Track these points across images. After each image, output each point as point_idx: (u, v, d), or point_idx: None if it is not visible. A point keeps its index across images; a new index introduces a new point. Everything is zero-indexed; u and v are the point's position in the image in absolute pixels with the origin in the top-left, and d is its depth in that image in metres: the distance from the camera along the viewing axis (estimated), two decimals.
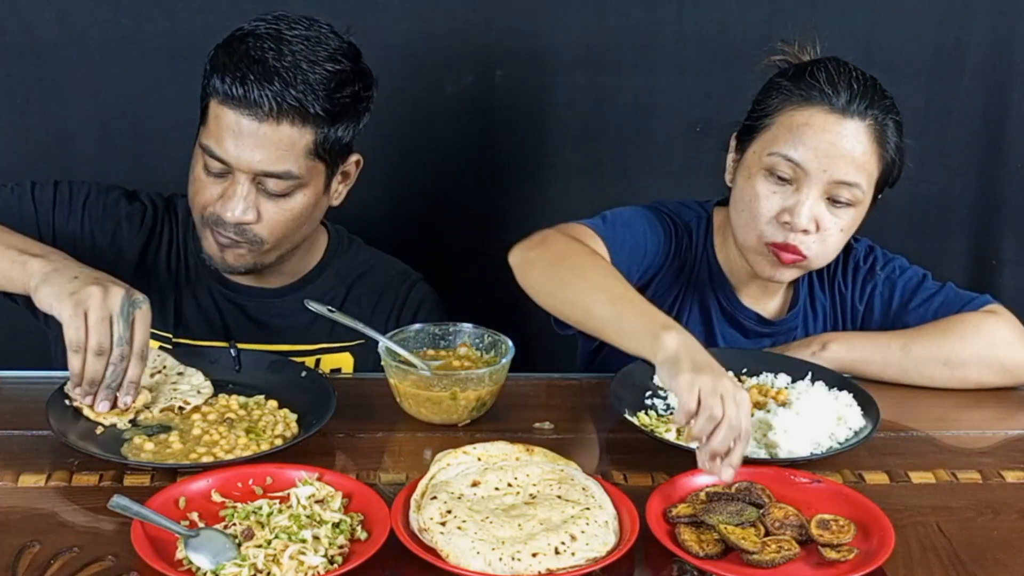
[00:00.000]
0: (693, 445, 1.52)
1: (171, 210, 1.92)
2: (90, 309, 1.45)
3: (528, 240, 1.69)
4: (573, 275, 1.61)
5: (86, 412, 1.53)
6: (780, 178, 1.73)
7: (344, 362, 1.91)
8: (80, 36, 2.28)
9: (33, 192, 1.82)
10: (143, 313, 1.50)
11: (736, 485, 1.39)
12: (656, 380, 1.70)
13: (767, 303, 1.92)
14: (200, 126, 1.76)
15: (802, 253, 1.74)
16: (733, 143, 1.85)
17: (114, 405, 1.52)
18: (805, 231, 1.72)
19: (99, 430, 1.51)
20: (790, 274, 1.81)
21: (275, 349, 1.84)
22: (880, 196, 1.80)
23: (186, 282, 1.89)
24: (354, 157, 1.83)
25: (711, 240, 1.91)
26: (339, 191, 1.85)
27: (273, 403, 1.60)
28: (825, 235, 1.74)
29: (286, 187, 1.73)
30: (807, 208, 1.71)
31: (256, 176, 1.71)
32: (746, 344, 1.90)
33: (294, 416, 1.58)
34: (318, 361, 1.89)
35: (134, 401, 1.53)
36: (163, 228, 1.90)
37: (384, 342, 1.63)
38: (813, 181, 1.71)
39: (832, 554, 1.28)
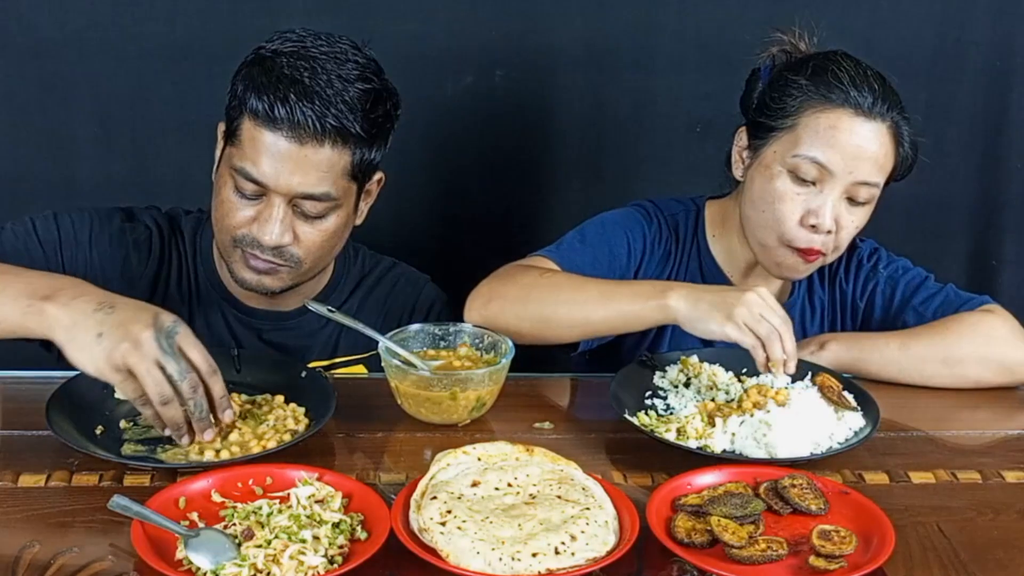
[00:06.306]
0: (702, 438, 1.52)
1: (176, 230, 1.86)
2: (132, 366, 1.39)
3: (476, 293, 1.74)
4: (552, 297, 1.68)
5: (190, 452, 1.47)
6: (803, 180, 1.75)
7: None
8: (80, 36, 2.28)
9: (36, 231, 1.74)
10: (184, 334, 1.43)
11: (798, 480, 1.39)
12: (656, 380, 1.70)
13: None
14: (227, 147, 1.70)
15: (822, 252, 1.78)
16: (744, 138, 1.85)
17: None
18: (828, 231, 1.75)
19: (99, 430, 1.51)
20: (808, 271, 1.85)
21: None
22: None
23: (198, 305, 1.84)
24: (377, 175, 1.79)
25: (702, 233, 1.92)
26: (362, 210, 1.81)
27: (280, 398, 1.60)
28: (841, 233, 1.78)
29: (323, 209, 1.69)
30: (830, 209, 1.74)
31: (293, 198, 1.66)
32: None
33: (302, 409, 1.58)
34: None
35: (234, 413, 1.49)
36: (171, 252, 1.84)
37: (384, 342, 1.63)
38: (837, 182, 1.74)
39: (819, 562, 1.25)
